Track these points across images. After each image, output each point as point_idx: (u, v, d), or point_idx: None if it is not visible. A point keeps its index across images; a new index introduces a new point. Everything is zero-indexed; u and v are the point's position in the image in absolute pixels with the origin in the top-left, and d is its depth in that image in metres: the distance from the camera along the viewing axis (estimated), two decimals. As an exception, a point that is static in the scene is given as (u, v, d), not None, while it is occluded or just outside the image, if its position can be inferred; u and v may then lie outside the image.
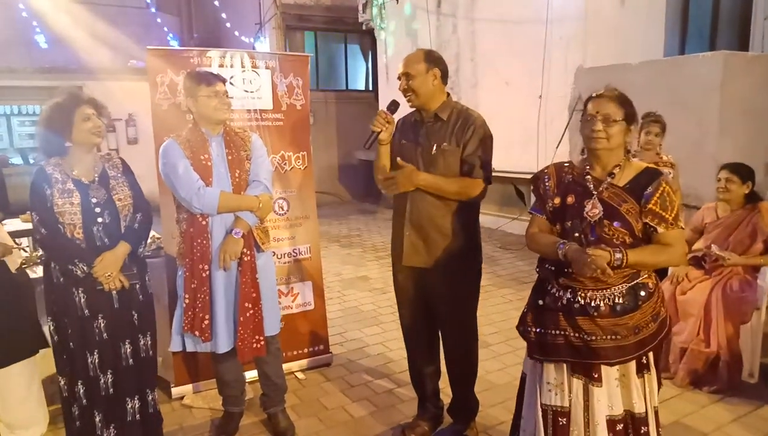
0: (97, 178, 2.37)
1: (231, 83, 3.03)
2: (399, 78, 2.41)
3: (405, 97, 2.43)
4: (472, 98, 7.26)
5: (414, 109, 2.47)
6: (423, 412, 2.70)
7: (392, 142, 2.47)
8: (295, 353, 3.37)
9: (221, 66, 3.08)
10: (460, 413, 2.66)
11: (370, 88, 11.57)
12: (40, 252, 2.75)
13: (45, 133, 2.33)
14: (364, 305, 4.68)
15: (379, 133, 2.39)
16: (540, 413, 1.95)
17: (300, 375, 3.34)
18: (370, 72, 11.76)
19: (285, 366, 3.16)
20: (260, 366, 2.71)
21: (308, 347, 3.45)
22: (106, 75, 8.18)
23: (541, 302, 1.94)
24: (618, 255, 1.72)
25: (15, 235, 3.12)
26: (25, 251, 2.89)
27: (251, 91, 3.23)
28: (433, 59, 2.39)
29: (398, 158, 2.39)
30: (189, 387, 3.12)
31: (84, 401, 2.36)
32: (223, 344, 2.49)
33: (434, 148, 2.38)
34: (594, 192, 1.85)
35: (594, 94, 1.86)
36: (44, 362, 2.58)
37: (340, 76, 11.87)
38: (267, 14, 10.52)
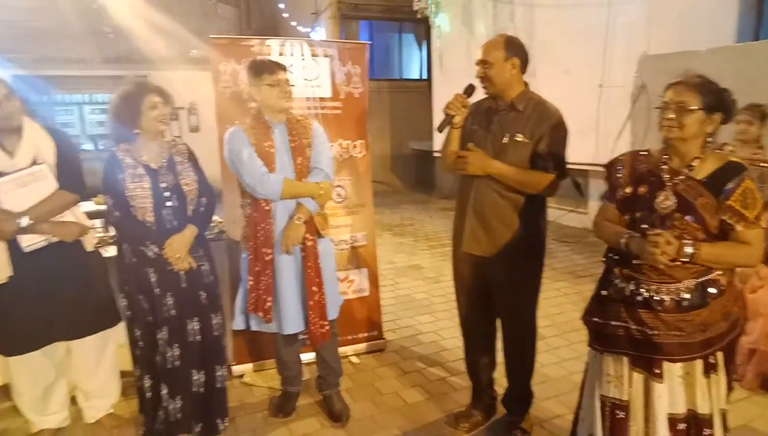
0: (165, 164, 2.47)
1: (290, 71, 3.08)
2: (477, 64, 2.35)
3: (481, 84, 2.37)
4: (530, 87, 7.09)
5: (489, 95, 2.41)
6: (477, 401, 2.71)
7: (463, 127, 2.43)
8: (350, 337, 3.43)
9: (281, 54, 3.15)
10: (515, 405, 2.65)
11: (424, 77, 11.52)
12: (112, 233, 2.91)
13: (115, 121, 2.45)
14: (416, 293, 4.71)
15: (453, 117, 2.36)
16: (598, 404, 1.92)
17: (354, 359, 3.40)
18: (424, 61, 11.70)
19: (340, 350, 3.22)
20: (318, 349, 2.77)
21: (363, 332, 3.50)
22: (169, 65, 8.47)
23: (604, 293, 1.91)
24: (689, 249, 1.67)
25: (88, 216, 3.30)
26: (99, 232, 3.06)
27: (310, 80, 3.28)
28: (513, 47, 2.31)
29: (470, 144, 2.35)
30: (249, 366, 3.24)
31: (156, 374, 2.49)
32: (290, 325, 2.56)
33: (506, 138, 2.33)
34: (668, 184, 1.79)
35: (672, 81, 1.79)
36: (116, 336, 2.73)
37: (393, 65, 11.86)
38: (323, 4, 10.62)
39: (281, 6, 10.82)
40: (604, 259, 1.95)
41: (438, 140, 9.03)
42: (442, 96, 9.08)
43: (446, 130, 2.44)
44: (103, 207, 2.90)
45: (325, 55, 3.30)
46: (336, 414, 2.77)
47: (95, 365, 2.67)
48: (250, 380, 3.16)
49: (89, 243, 2.57)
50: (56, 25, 8.97)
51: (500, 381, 2.71)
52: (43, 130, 2.44)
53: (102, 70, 8.80)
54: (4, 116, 2.29)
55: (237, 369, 3.20)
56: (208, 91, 3.11)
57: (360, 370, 3.30)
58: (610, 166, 1.95)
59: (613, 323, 1.86)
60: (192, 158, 2.58)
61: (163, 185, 2.43)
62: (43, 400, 2.60)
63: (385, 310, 3.74)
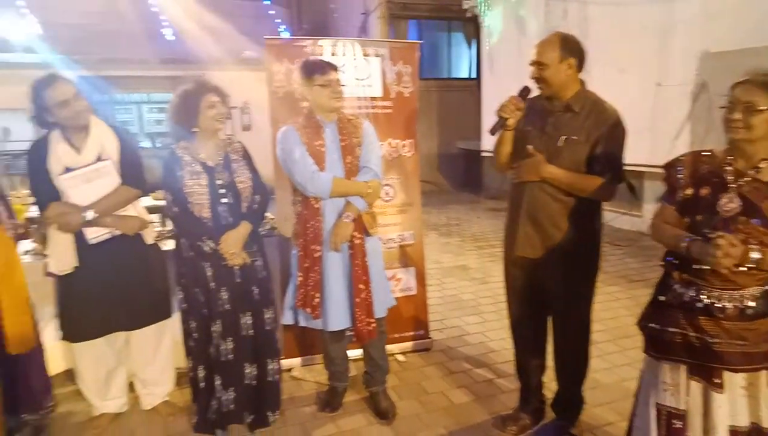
0: (221, 162, 2.55)
1: (342, 71, 3.12)
2: (531, 65, 2.30)
3: (537, 85, 2.32)
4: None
5: (544, 96, 2.36)
6: (525, 405, 2.67)
7: (516, 127, 2.38)
8: (396, 335, 3.44)
9: (333, 54, 3.19)
10: (565, 410, 2.60)
11: (473, 76, 11.41)
12: (170, 227, 3.02)
13: (174, 119, 2.53)
14: (463, 293, 4.68)
15: (506, 120, 2.32)
16: (654, 413, 1.86)
17: (401, 358, 3.41)
18: (472, 60, 11.60)
19: (387, 348, 3.27)
20: (365, 346, 2.80)
21: (409, 331, 3.51)
22: (223, 65, 8.70)
23: (662, 298, 1.84)
24: (755, 255, 1.59)
25: (147, 211, 3.43)
26: (158, 226, 3.18)
27: (361, 79, 3.31)
28: (569, 47, 2.24)
29: (529, 146, 2.29)
30: (297, 360, 3.30)
31: (209, 365, 2.57)
32: (335, 322, 2.59)
33: (561, 140, 2.27)
34: (732, 185, 1.71)
35: (739, 80, 1.71)
36: (172, 328, 2.83)
37: (442, 64, 11.80)
38: (373, 4, 10.67)
39: (332, 6, 10.95)
40: (662, 263, 1.89)
41: (487, 140, 8.93)
42: (491, 95, 8.97)
43: (498, 132, 2.41)
44: (161, 202, 3.01)
45: (377, 55, 3.32)
46: (382, 411, 2.78)
47: (152, 355, 2.78)
48: (298, 375, 3.22)
49: (149, 237, 2.68)
50: (118, 28, 9.37)
51: (549, 385, 2.67)
52: (108, 128, 2.56)
53: (159, 71, 9.12)
54: (73, 115, 2.42)
55: (286, 363, 3.26)
56: (259, 91, 3.17)
57: (406, 368, 3.31)
58: (670, 167, 1.88)
59: (670, 329, 1.80)
60: (246, 156, 2.65)
61: (219, 183, 2.50)
62: (105, 385, 2.73)
63: (431, 309, 3.73)
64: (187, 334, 2.62)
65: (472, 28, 10.91)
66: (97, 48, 8.91)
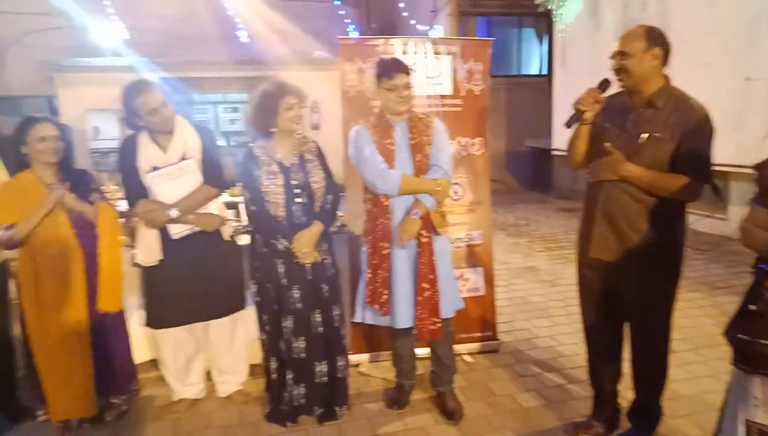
0: (296, 162, 2.62)
1: (413, 70, 3.12)
2: (612, 57, 2.21)
3: (617, 77, 2.23)
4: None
5: (623, 89, 2.26)
6: (599, 413, 2.58)
7: (593, 123, 2.29)
8: (463, 336, 3.41)
9: (404, 53, 3.20)
10: (642, 420, 2.48)
11: (543, 73, 11.11)
12: (243, 223, 3.13)
13: (253, 119, 2.63)
14: (532, 296, 4.57)
15: (583, 112, 2.24)
16: (743, 430, 1.75)
17: (468, 358, 3.38)
18: (543, 56, 11.29)
19: (454, 348, 3.25)
20: (433, 345, 2.79)
21: (476, 332, 3.47)
22: (294, 65, 8.91)
23: (752, 307, 1.73)
24: None
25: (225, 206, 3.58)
26: (234, 222, 3.31)
27: (432, 77, 3.30)
28: (655, 38, 2.15)
29: (607, 144, 2.20)
30: (365, 356, 3.34)
31: (281, 358, 2.66)
32: (402, 320, 2.60)
33: (643, 137, 2.16)
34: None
35: None
36: (246, 320, 2.95)
37: (511, 61, 11.56)
38: (442, 1, 10.61)
39: (401, 5, 10.96)
40: (753, 270, 1.77)
41: (558, 138, 8.67)
42: (563, 92, 8.70)
43: (574, 126, 2.34)
44: (236, 199, 3.14)
45: (448, 53, 3.30)
46: (450, 411, 2.77)
47: (228, 344, 2.90)
48: (365, 370, 3.26)
49: (226, 233, 2.79)
50: (197, 31, 9.80)
51: (625, 394, 2.57)
52: (191, 128, 2.69)
53: (234, 72, 9.44)
54: (162, 121, 2.56)
55: (353, 358, 3.31)
56: (329, 90, 3.23)
57: (473, 369, 3.27)
58: (763, 168, 1.76)
59: (762, 341, 1.68)
60: (320, 156, 2.71)
61: (294, 182, 2.57)
62: (184, 371, 2.88)
63: (499, 311, 3.67)
64: (260, 326, 2.72)
65: (543, 23, 10.62)
66: (177, 51, 9.36)
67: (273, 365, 2.71)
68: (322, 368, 2.66)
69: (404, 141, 2.60)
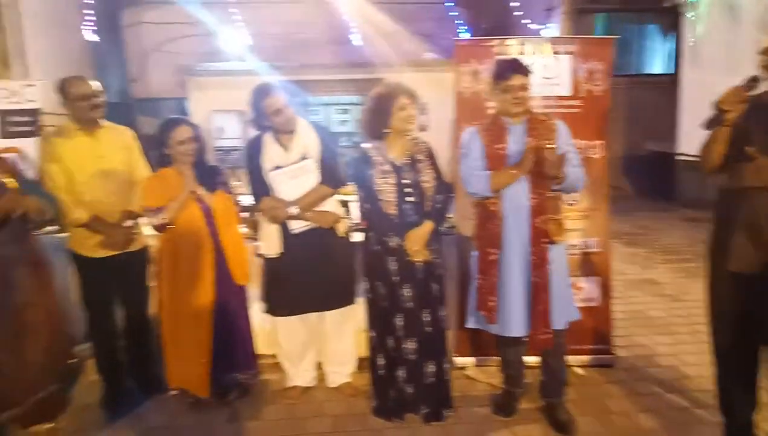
0: (408, 161, 2.66)
1: (531, 71, 3.05)
2: (762, 53, 2.05)
3: (766, 74, 2.06)
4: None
5: None
6: (731, 443, 2.36)
7: (734, 125, 2.11)
8: (575, 347, 3.27)
9: (521, 54, 3.12)
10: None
11: (668, 72, 10.35)
12: (354, 221, 3.23)
13: (368, 120, 2.71)
14: (651, 310, 4.27)
15: (725, 113, 2.07)
16: None
17: (579, 371, 3.24)
18: (668, 54, 10.51)
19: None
20: (543, 354, 2.71)
21: (589, 344, 3.31)
22: (404, 67, 9.02)
23: None
24: None
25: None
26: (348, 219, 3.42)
27: (549, 78, 3.20)
28: None
29: (750, 148, 2.03)
30: (471, 360, 3.31)
31: (389, 355, 2.71)
32: (511, 328, 2.55)
33: None
34: None
35: None
36: (357, 315, 3.04)
37: (629, 59, 10.88)
38: (557, -1, 10.24)
39: (514, 4, 10.72)
40: None
41: (685, 141, 8.04)
42: (693, 92, 8.04)
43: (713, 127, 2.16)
44: (347, 197, 3.24)
45: (567, 52, 3.18)
46: (561, 424, 2.67)
47: (339, 336, 3.01)
48: (471, 374, 3.23)
49: (341, 229, 2.90)
50: (312, 36, 10.23)
51: (763, 425, 2.33)
52: (311, 128, 2.83)
53: (346, 75, 9.74)
54: (285, 121, 2.72)
55: (459, 361, 3.30)
56: (438, 91, 3.23)
57: (585, 383, 3.13)
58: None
59: None
60: (431, 157, 2.73)
61: (406, 182, 2.62)
62: (298, 358, 3.03)
63: (614, 324, 3.48)
64: (369, 323, 2.80)
65: (669, 19, 9.89)
66: (294, 55, 9.83)
67: (380, 361, 2.76)
68: (430, 368, 2.68)
69: (518, 145, 2.54)
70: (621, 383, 3.11)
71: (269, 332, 3.12)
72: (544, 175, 2.46)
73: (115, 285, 2.98)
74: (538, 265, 2.50)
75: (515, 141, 2.54)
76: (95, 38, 8.73)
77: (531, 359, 2.98)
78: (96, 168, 2.81)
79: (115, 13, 10.09)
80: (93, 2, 8.63)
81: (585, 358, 3.30)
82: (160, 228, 2.74)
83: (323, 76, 9.90)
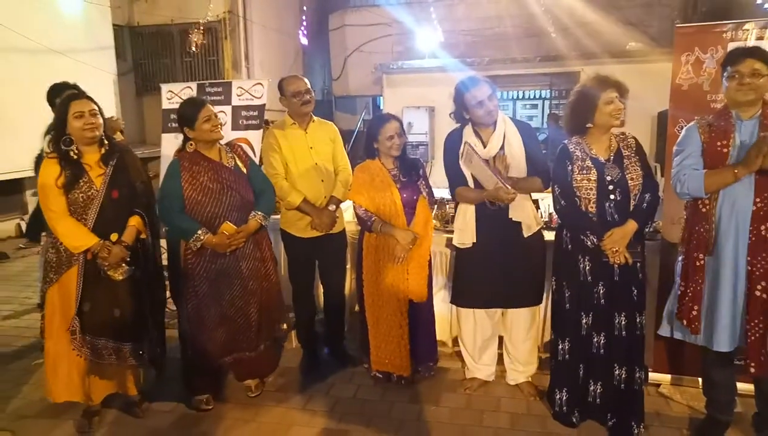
0: (612, 157, 2.51)
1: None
2: None
3: None
4: None
5: None
6: None
7: None
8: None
9: (760, 39, 2.73)
10: None
11: None
12: (543, 219, 3.14)
13: (571, 115, 2.61)
14: None
15: None
16: None
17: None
18: None
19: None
20: (759, 381, 2.39)
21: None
22: (603, 59, 8.45)
23: None
24: None
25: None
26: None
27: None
28: None
29: None
30: (666, 377, 3.03)
31: (567, 355, 2.62)
32: (723, 342, 2.29)
33: None
34: None
35: None
36: (542, 314, 2.97)
37: None
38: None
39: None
40: None
41: None
42: None
43: None
44: (537, 195, 3.15)
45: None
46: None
47: (524, 335, 2.97)
48: (667, 392, 2.95)
49: (532, 227, 2.83)
50: (508, 30, 10.10)
51: None
52: (512, 124, 2.82)
53: (536, 69, 9.45)
54: (485, 114, 2.74)
55: (654, 377, 3.04)
56: (642, 83, 2.96)
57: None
58: None
59: None
60: (640, 152, 2.56)
61: (608, 179, 2.48)
62: (479, 351, 3.06)
63: None
64: (553, 324, 2.72)
65: None
66: (486, 51, 9.81)
67: (562, 362, 2.66)
68: (621, 372, 2.52)
69: (748, 143, 2.24)
70: None
71: (452, 322, 3.20)
72: None
73: (318, 264, 3.30)
74: (759, 278, 2.21)
75: (743, 139, 2.26)
76: (306, 42, 9.67)
77: (744, 386, 2.63)
78: (307, 158, 3.15)
79: (323, 19, 11.05)
80: (306, 9, 9.58)
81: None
82: (366, 228, 2.96)
83: (513, 70, 9.72)
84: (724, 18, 3.08)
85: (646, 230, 2.97)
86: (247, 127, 4.28)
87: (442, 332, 3.35)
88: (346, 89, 11.22)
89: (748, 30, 2.76)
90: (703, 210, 2.31)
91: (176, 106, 3.37)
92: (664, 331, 2.55)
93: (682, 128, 2.85)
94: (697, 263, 2.33)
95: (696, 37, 2.86)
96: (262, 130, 4.16)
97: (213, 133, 2.75)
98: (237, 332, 2.85)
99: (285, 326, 3.04)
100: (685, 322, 2.37)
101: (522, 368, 3.03)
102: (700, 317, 2.33)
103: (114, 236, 2.60)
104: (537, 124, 10.52)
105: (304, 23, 9.54)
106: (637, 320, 2.52)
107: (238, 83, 4.36)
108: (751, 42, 2.70)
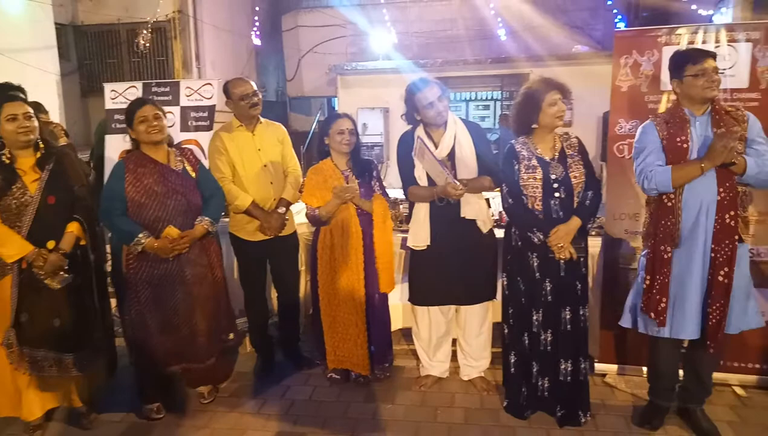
0: (556, 157, 2.59)
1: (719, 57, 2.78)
2: None
3: None
4: None
5: None
6: None
7: None
8: (736, 364, 2.97)
9: (691, 43, 2.87)
10: None
11: None
12: (494, 217, 3.21)
13: (516, 115, 2.68)
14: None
15: None
16: None
17: (740, 391, 2.93)
18: None
19: (721, 376, 2.91)
20: (692, 360, 2.54)
21: (754, 362, 2.97)
22: (551, 62, 8.68)
23: None
24: None
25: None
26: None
27: (724, 70, 2.90)
28: None
29: None
30: (612, 367, 3.14)
31: (524, 350, 2.69)
32: (689, 330, 2.39)
33: None
34: None
35: None
36: (492, 311, 3.03)
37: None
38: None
39: (682, -12, 9.82)
40: None
41: None
42: None
43: None
44: (489, 194, 3.22)
45: (747, 40, 2.86)
46: (704, 432, 2.52)
47: (477, 330, 3.03)
48: (612, 381, 3.07)
49: (486, 226, 2.89)
50: (457, 33, 10.24)
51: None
52: (462, 125, 2.86)
53: (488, 70, 9.63)
54: (436, 115, 2.77)
55: (599, 367, 3.15)
56: (585, 85, 3.06)
57: (747, 405, 2.82)
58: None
59: None
60: (582, 152, 2.65)
61: (552, 177, 2.55)
62: (434, 349, 3.09)
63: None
64: (504, 319, 2.79)
65: None
66: (438, 53, 9.92)
67: (513, 358, 2.74)
68: (567, 366, 2.60)
69: (703, 137, 2.35)
70: (793, 409, 2.76)
71: (406, 313, 3.23)
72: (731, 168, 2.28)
73: (270, 267, 3.27)
74: (722, 263, 2.31)
75: (699, 133, 2.37)
76: (259, 42, 9.56)
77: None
78: (256, 160, 3.11)
79: (276, 19, 10.94)
80: (258, 9, 9.46)
81: (748, 378, 2.97)
82: (315, 223, 2.97)
83: (465, 72, 9.88)
84: (666, 22, 3.22)
85: (590, 225, 3.09)
86: (197, 129, 4.18)
87: (395, 325, 3.38)
88: (300, 90, 11.14)
89: (680, 35, 2.91)
90: (669, 204, 2.38)
91: (120, 106, 3.27)
92: (626, 322, 2.62)
93: (621, 128, 3.00)
94: (665, 256, 2.40)
95: (634, 41, 2.98)
96: (212, 132, 4.08)
97: (150, 135, 2.63)
98: (184, 343, 2.74)
99: (231, 335, 2.96)
100: (652, 314, 2.42)
101: (475, 363, 3.08)
102: (666, 310, 2.40)
103: (51, 244, 2.49)
104: (489, 124, 10.69)
105: (257, 24, 9.42)
106: (581, 313, 2.61)
107: (186, 83, 4.25)
108: (683, 45, 2.84)
